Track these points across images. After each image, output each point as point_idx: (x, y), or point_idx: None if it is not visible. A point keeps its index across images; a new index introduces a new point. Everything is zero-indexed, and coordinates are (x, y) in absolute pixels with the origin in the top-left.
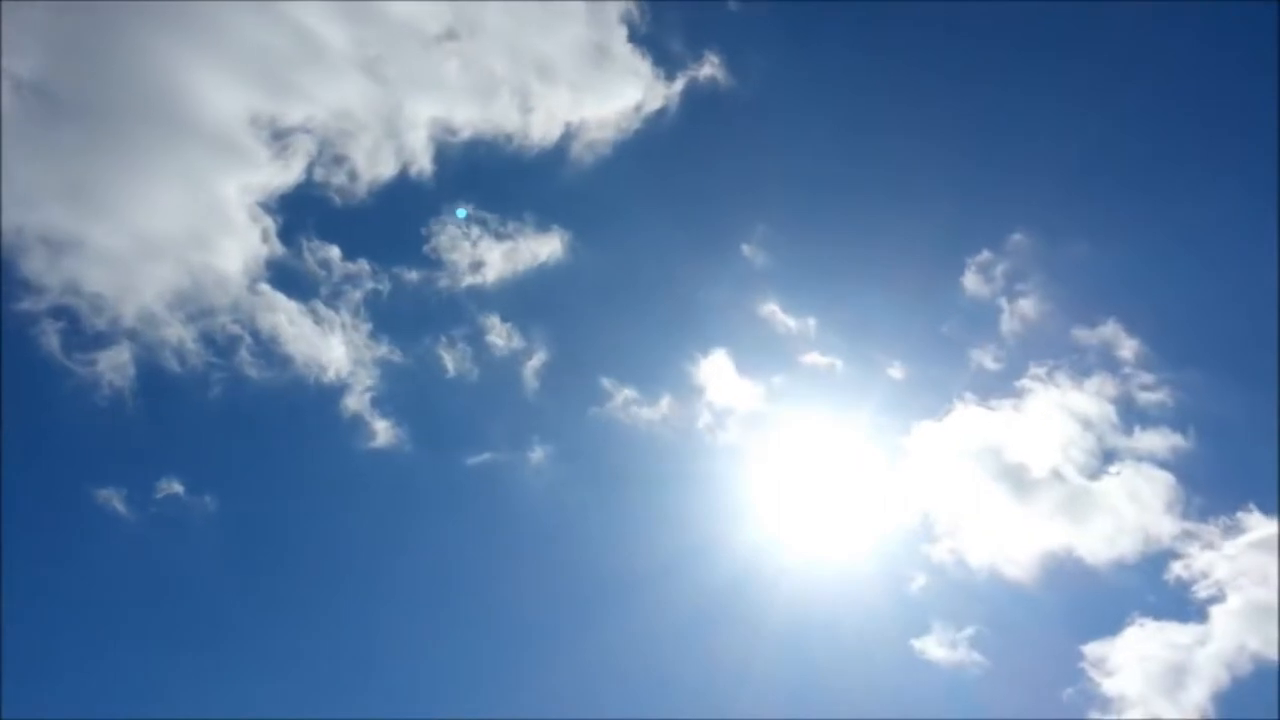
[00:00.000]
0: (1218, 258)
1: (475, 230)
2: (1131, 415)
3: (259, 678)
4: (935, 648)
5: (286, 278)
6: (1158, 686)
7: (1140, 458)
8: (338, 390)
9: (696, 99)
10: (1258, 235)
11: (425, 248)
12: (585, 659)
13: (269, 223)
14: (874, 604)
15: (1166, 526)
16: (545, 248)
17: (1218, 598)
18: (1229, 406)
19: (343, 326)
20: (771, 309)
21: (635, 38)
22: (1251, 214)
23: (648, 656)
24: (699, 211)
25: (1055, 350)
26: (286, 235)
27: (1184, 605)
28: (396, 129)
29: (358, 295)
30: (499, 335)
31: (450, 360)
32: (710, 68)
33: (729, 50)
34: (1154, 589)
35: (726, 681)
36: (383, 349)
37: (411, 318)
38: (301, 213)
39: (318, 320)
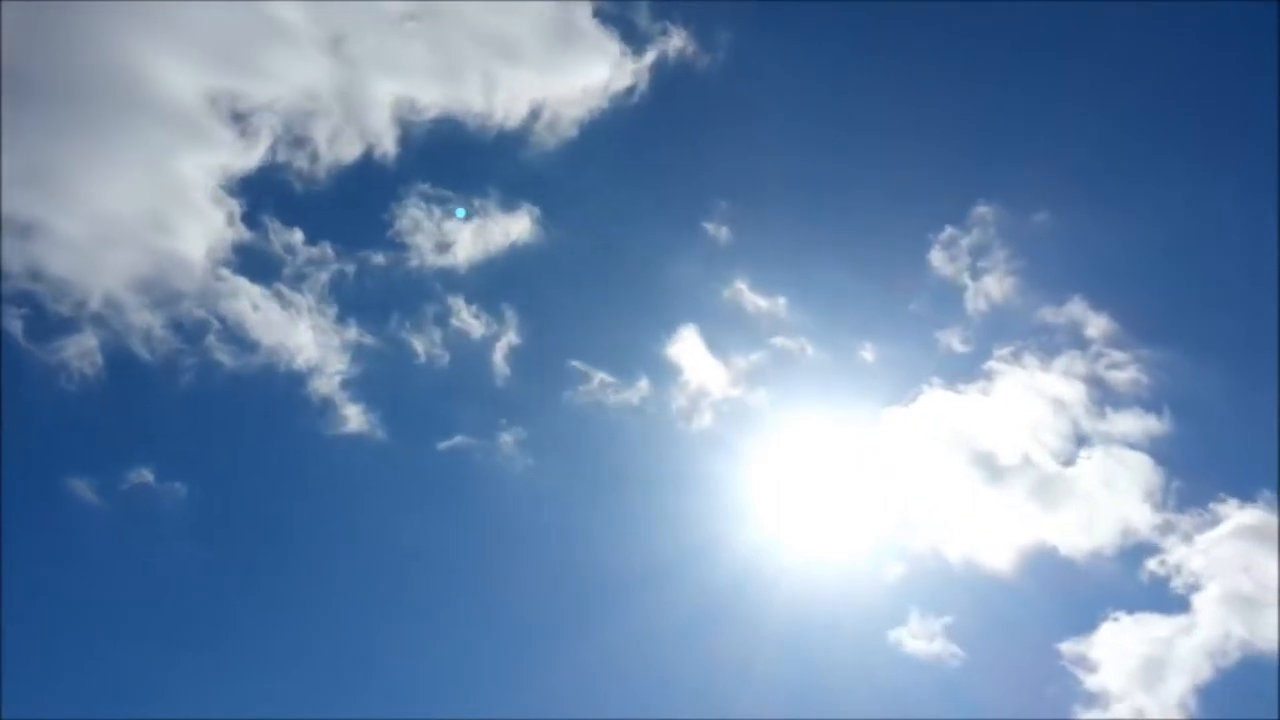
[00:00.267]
0: (1188, 228)
1: (440, 211)
2: (1103, 397)
3: (232, 666)
4: (911, 639)
5: (251, 261)
6: (1140, 679)
7: (1114, 441)
8: (306, 375)
9: (664, 76)
10: (1229, 205)
11: (391, 230)
12: (559, 646)
13: (232, 205)
14: (847, 593)
15: (1144, 513)
16: (512, 228)
17: (1198, 586)
18: (1203, 385)
19: (309, 310)
20: (741, 288)
21: (601, 15)
22: (1221, 183)
23: (620, 644)
24: (668, 190)
25: (1021, 330)
26: (250, 218)
27: (1164, 596)
28: (360, 109)
29: (324, 279)
30: (468, 318)
31: (419, 344)
32: (677, 44)
33: (696, 26)
34: (1133, 579)
35: (698, 669)
36: (351, 333)
37: (379, 301)
38: (265, 195)
39: (284, 304)
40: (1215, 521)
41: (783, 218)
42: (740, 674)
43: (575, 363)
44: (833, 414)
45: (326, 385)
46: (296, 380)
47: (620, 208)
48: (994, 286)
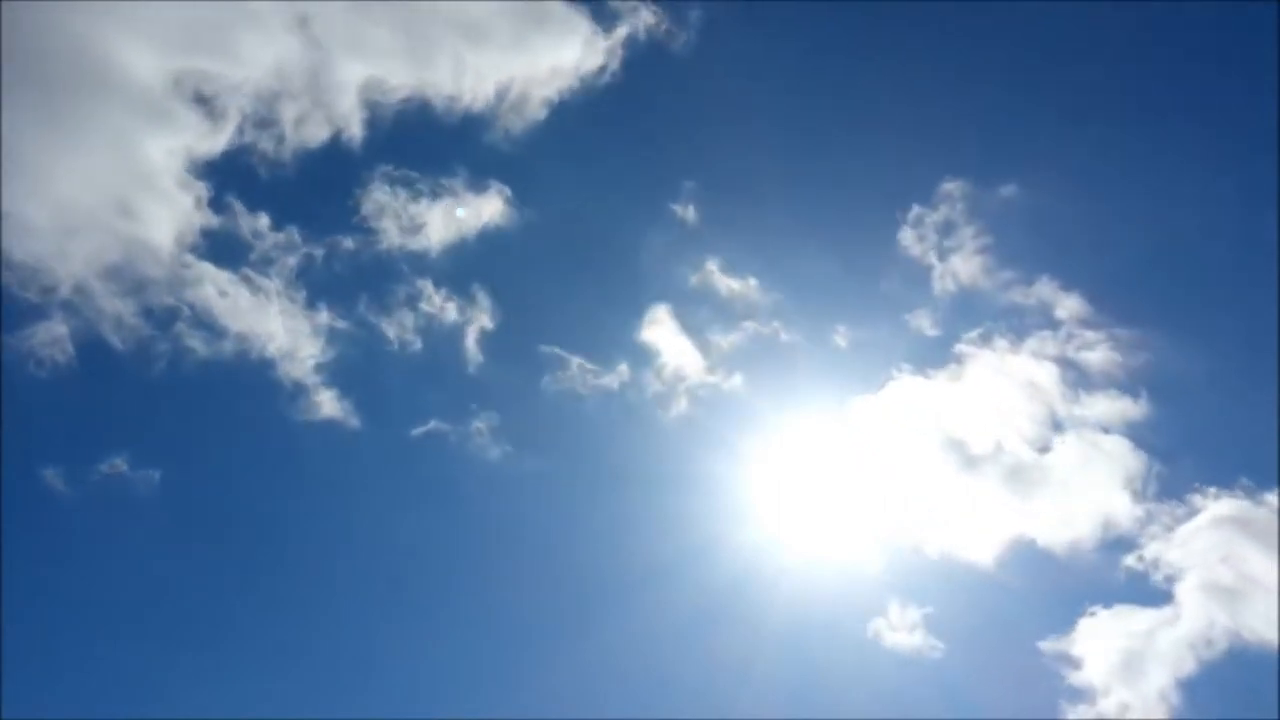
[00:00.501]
0: (1160, 202)
1: (409, 194)
2: (1077, 379)
3: (206, 655)
4: (890, 631)
5: (220, 246)
6: (1124, 673)
7: (1090, 426)
8: (277, 362)
9: (635, 56)
10: (1203, 178)
11: (360, 213)
12: (533, 631)
13: (199, 189)
14: (824, 584)
15: (1124, 502)
16: (483, 210)
17: (1179, 576)
18: (1179, 365)
19: (278, 296)
20: (712, 270)
21: None
22: (1195, 155)
23: (595, 632)
24: (639, 171)
25: (990, 311)
26: (217, 202)
27: (1146, 587)
28: (327, 91)
29: (293, 263)
30: (439, 301)
31: (391, 329)
32: (648, 22)
33: (667, 5)
34: (1113, 571)
35: (670, 658)
36: (322, 318)
37: (349, 286)
38: (232, 178)
39: (253, 290)
40: (1195, 510)
41: (754, 198)
42: (714, 664)
43: (548, 347)
44: (806, 401)
45: (298, 371)
46: (268, 367)
47: (591, 189)
48: (961, 266)
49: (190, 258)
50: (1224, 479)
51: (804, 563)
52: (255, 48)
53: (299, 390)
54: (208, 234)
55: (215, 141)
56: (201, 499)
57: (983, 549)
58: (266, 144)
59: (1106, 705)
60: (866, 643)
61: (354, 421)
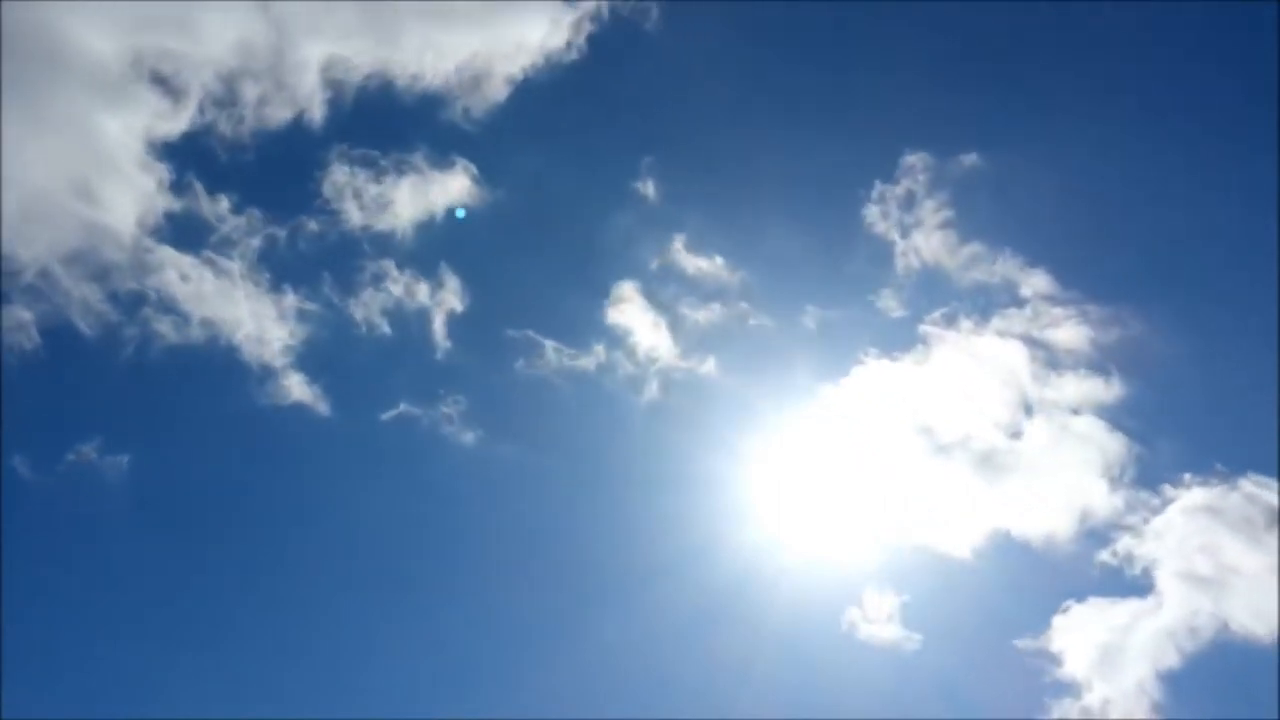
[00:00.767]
0: (1129, 172)
1: (373, 174)
2: (1047, 360)
3: (177, 641)
4: (865, 623)
5: (182, 229)
6: (1104, 666)
7: (1062, 408)
8: (243, 346)
9: (599, 33)
10: (1173, 146)
11: (324, 194)
12: (507, 617)
13: (160, 171)
14: (798, 573)
15: (1101, 488)
16: (450, 188)
17: (1159, 565)
18: (1153, 343)
19: (243, 279)
20: (680, 250)
21: None
22: (1166, 121)
23: (570, 619)
24: (604, 149)
25: (955, 290)
26: (179, 184)
27: (1125, 577)
28: (290, 70)
29: (257, 246)
30: (405, 282)
31: (357, 311)
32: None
33: None
34: (1091, 560)
35: (641, 646)
36: (287, 301)
37: (315, 268)
38: (193, 159)
39: (218, 273)
40: (1174, 496)
41: (719, 175)
42: (683, 655)
43: (517, 328)
44: (775, 386)
45: (265, 355)
46: (234, 351)
47: (557, 167)
48: (924, 243)
49: (153, 241)
50: (1203, 463)
51: (776, 552)
52: (216, 26)
53: (267, 374)
54: (170, 217)
55: (176, 122)
56: (172, 485)
57: (957, 538)
58: (228, 124)
59: (1087, 698)
60: (841, 634)
61: (323, 405)
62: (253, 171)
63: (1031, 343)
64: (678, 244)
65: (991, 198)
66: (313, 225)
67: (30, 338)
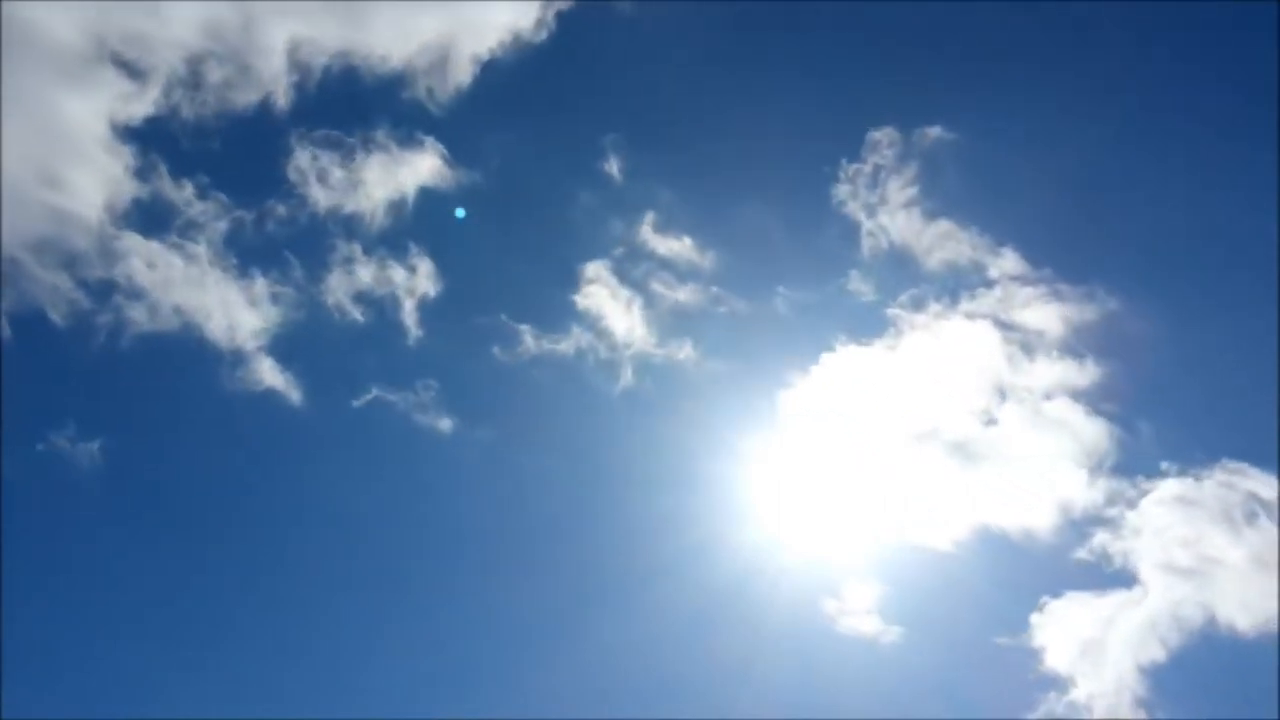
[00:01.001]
0: (1101, 146)
1: (341, 156)
2: (1020, 343)
3: (150, 630)
4: (842, 615)
5: (149, 214)
6: (1087, 658)
7: (1036, 393)
8: (214, 331)
9: (568, 11)
10: (1147, 116)
11: (292, 176)
12: (480, 606)
13: (126, 156)
14: (773, 563)
15: (1080, 475)
16: (416, 172)
17: (1141, 556)
18: (1129, 325)
19: (212, 264)
20: (648, 230)
21: None
22: (1136, 91)
23: (538, 605)
24: (573, 129)
25: (923, 272)
26: (145, 169)
27: (1105, 569)
28: (256, 51)
29: (226, 230)
30: (375, 265)
31: (327, 294)
32: None
33: None
34: (1071, 552)
35: (609, 633)
36: (256, 286)
37: (284, 252)
38: (159, 143)
39: (187, 259)
40: (1155, 484)
41: (690, 155)
42: (654, 645)
43: (489, 312)
44: (746, 375)
45: (236, 341)
46: (204, 337)
47: (526, 148)
48: (890, 222)
49: (120, 226)
50: (1183, 449)
51: (752, 545)
52: (180, 8)
53: (238, 360)
54: (136, 201)
55: (141, 105)
56: (144, 473)
57: (936, 530)
58: (194, 107)
59: (1070, 690)
60: (819, 626)
61: (295, 392)
62: (220, 155)
63: (1002, 325)
64: (647, 225)
65: (960, 174)
66: (281, 209)
67: None
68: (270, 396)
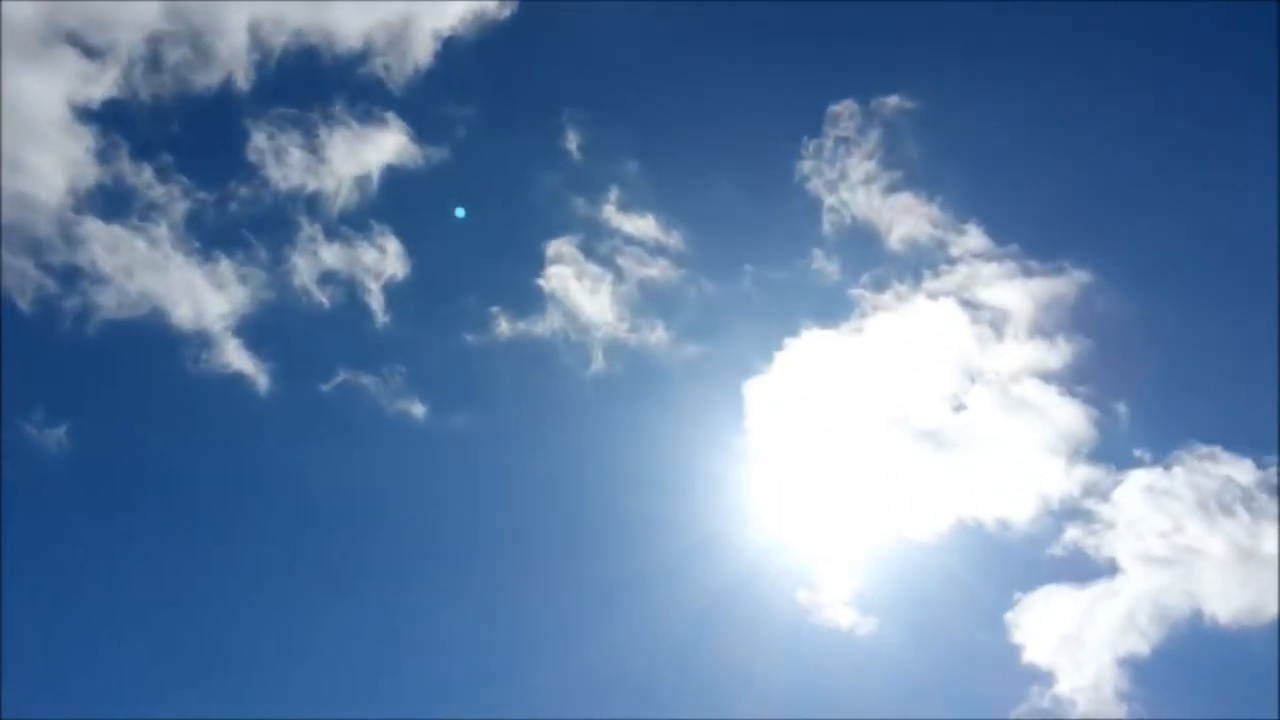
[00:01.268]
0: (1071, 114)
1: (304, 136)
2: (988, 322)
3: (118, 616)
4: (817, 608)
5: (112, 197)
6: (1065, 652)
7: (1005, 376)
8: (179, 315)
9: None
10: (1117, 77)
11: (253, 157)
12: (456, 595)
13: (88, 138)
14: (747, 554)
15: (1056, 463)
16: (380, 150)
17: (1120, 546)
18: (1099, 302)
19: (175, 247)
20: (612, 208)
21: None
22: (1107, 58)
23: (511, 592)
24: (535, 107)
25: (886, 251)
26: (105, 151)
27: (1085, 560)
28: (217, 30)
29: (188, 212)
30: (338, 245)
31: (292, 276)
32: None
33: None
34: (1048, 543)
35: (580, 622)
36: (223, 268)
37: (248, 234)
38: (119, 125)
39: (150, 242)
40: (1133, 470)
41: (653, 132)
42: (625, 637)
43: (455, 293)
44: (711, 361)
45: (201, 324)
46: (169, 321)
47: (489, 125)
48: (850, 198)
49: (82, 210)
50: (1166, 434)
51: (724, 534)
52: None
53: (203, 343)
54: (99, 184)
55: (100, 87)
56: (113, 458)
57: (910, 520)
58: (155, 87)
59: (1050, 682)
60: (793, 618)
61: (262, 375)
62: (181, 135)
63: (969, 305)
64: (611, 204)
65: (922, 146)
66: (245, 190)
67: None
68: (237, 380)
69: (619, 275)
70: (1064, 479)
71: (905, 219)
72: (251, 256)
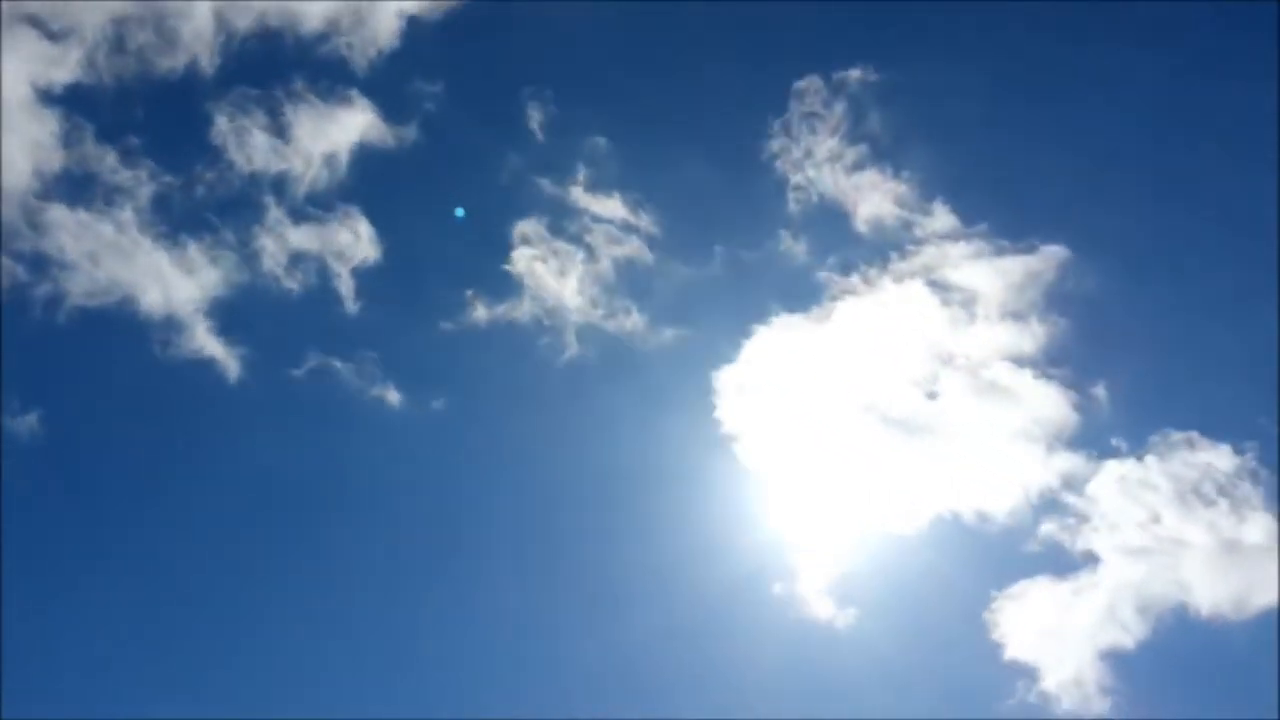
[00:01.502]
0: (1040, 84)
1: (269, 118)
2: (959, 304)
3: (88, 604)
4: (794, 600)
5: (78, 182)
6: (1048, 647)
7: (977, 361)
8: (148, 300)
9: None
10: (1090, 48)
11: (220, 140)
12: (432, 587)
13: (52, 122)
14: (723, 545)
15: (1034, 450)
16: (346, 130)
17: (1104, 535)
18: (1073, 282)
19: (142, 232)
20: (579, 189)
21: None
22: (1081, 26)
23: (489, 584)
24: (503, 87)
25: (854, 233)
26: (71, 135)
27: (1065, 553)
28: (180, 11)
29: (155, 196)
30: (309, 228)
31: (261, 259)
32: None
33: None
34: (1027, 535)
35: (558, 614)
36: (190, 252)
37: (215, 217)
38: (84, 109)
39: (117, 227)
40: (1114, 459)
41: (622, 111)
42: (598, 629)
43: (426, 276)
44: (690, 341)
45: (169, 308)
46: (137, 306)
47: (455, 103)
48: (818, 178)
49: (48, 195)
50: (1143, 419)
51: (698, 525)
52: None
53: (173, 328)
54: (64, 168)
55: (64, 70)
56: (84, 445)
57: (888, 511)
58: (119, 70)
59: (1048, 683)
60: (770, 610)
61: (233, 360)
62: (146, 119)
63: (938, 286)
64: (579, 183)
65: (887, 122)
66: (210, 173)
67: None
68: (208, 365)
69: (590, 254)
70: (1042, 468)
71: (871, 196)
72: (220, 240)
